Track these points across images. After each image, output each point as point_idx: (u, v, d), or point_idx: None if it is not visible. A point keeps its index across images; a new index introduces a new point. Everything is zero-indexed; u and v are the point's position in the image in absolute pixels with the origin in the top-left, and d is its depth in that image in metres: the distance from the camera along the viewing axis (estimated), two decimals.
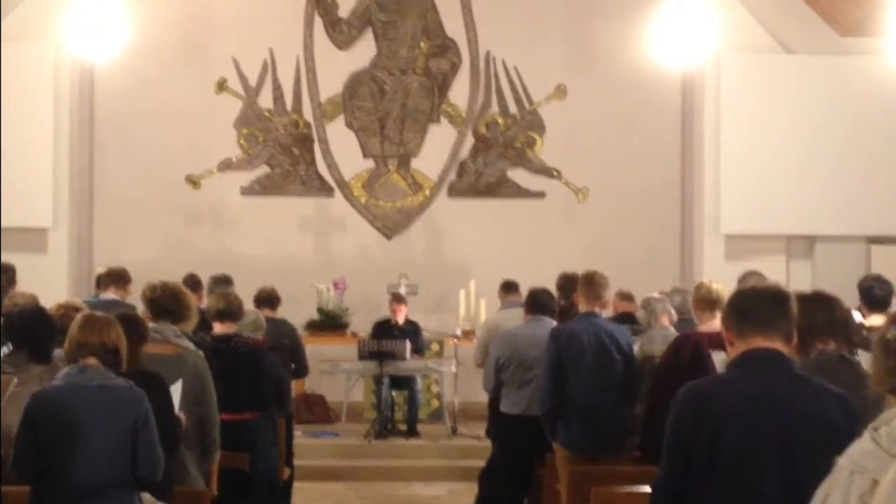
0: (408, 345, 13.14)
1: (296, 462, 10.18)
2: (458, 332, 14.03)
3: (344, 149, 15.90)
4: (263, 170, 15.88)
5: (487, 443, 10.41)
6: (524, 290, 9.78)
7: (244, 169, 15.83)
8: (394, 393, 13.66)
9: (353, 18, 15.96)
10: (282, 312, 10.35)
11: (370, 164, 16.00)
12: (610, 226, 15.59)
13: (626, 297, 9.66)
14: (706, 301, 7.39)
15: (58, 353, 6.07)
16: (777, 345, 4.05)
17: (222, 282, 10.14)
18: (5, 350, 6.29)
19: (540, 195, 15.93)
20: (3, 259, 10.32)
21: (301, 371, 10.43)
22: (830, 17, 14.51)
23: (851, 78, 14.38)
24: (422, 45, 16.01)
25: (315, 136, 15.93)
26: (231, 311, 7.90)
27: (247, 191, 15.81)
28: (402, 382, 13.57)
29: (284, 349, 9.68)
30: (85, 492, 5.28)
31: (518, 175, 15.99)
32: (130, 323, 5.94)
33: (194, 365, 6.55)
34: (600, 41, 15.46)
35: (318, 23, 15.93)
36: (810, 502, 2.99)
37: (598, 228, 15.61)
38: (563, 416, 8.00)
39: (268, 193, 15.83)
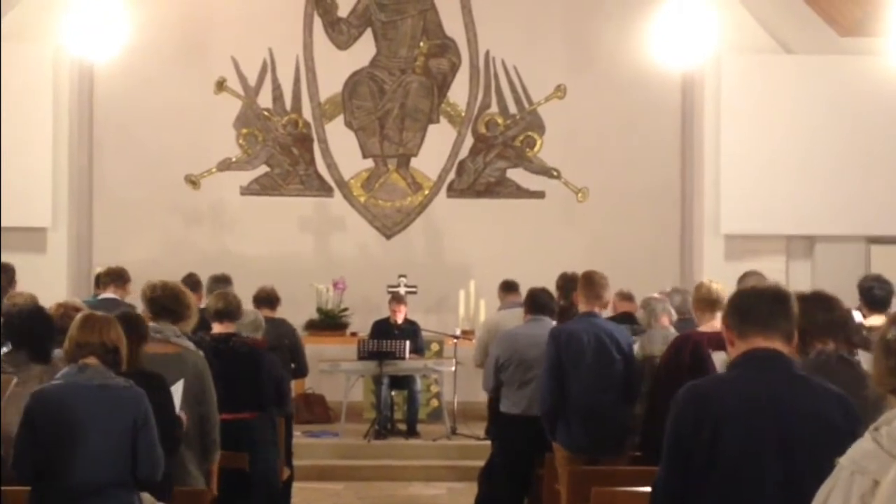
0: (407, 345, 13.14)
1: (295, 462, 10.18)
2: (458, 332, 14.04)
3: (343, 148, 15.90)
4: (263, 169, 15.88)
5: (487, 443, 10.42)
6: (524, 290, 9.78)
7: (243, 169, 15.83)
8: (393, 393, 13.67)
9: (352, 18, 15.97)
10: (281, 312, 10.35)
11: (370, 163, 16.00)
12: (610, 226, 15.59)
13: (626, 297, 9.65)
14: (706, 301, 7.39)
15: (57, 352, 6.07)
16: (777, 345, 4.05)
17: (221, 281, 10.13)
18: (5, 350, 6.29)
19: (539, 195, 15.93)
20: (3, 259, 10.30)
21: (301, 371, 10.43)
22: (830, 17, 14.51)
23: (851, 78, 14.38)
24: (421, 44, 16.01)
25: (314, 136, 15.93)
26: (230, 310, 7.89)
27: (246, 190, 15.81)
28: (402, 382, 13.58)
29: (284, 349, 9.68)
30: (85, 491, 5.28)
31: (518, 175, 15.99)
32: (131, 322, 5.93)
33: (194, 364, 6.54)
34: (600, 41, 15.46)
35: (318, 22, 15.94)
36: (811, 503, 2.99)
37: (597, 228, 15.61)
38: (563, 416, 7.99)
39: (267, 193, 15.83)
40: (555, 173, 15.93)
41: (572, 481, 7.15)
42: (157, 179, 15.50)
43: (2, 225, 12.83)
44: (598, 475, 7.02)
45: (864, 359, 4.99)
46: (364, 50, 15.96)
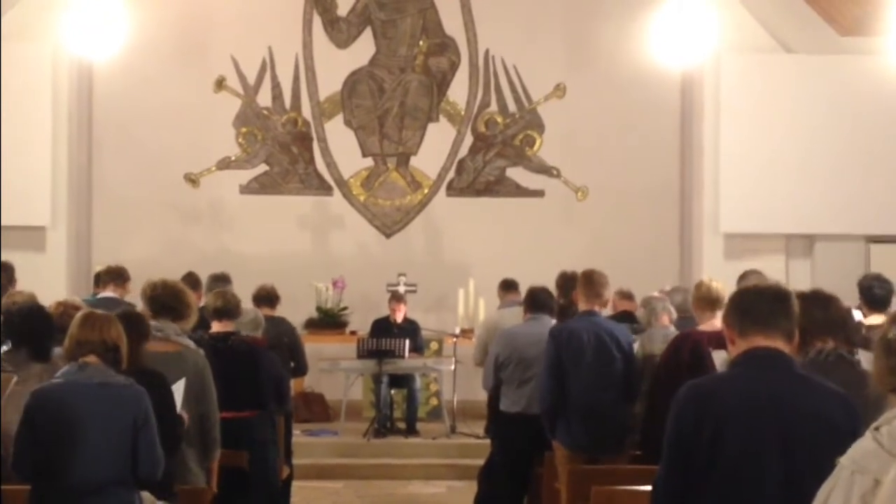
0: (407, 343, 13.15)
1: (295, 460, 10.17)
2: (457, 331, 14.04)
3: (343, 147, 15.90)
4: (262, 168, 15.87)
5: (486, 441, 10.42)
6: (523, 289, 9.78)
7: (243, 167, 15.83)
8: (393, 391, 13.67)
9: (352, 17, 15.96)
10: (281, 311, 10.34)
11: (369, 162, 15.99)
12: (609, 224, 15.59)
13: (626, 295, 9.65)
14: (706, 300, 7.38)
15: (57, 351, 6.07)
16: (778, 344, 4.05)
17: (221, 280, 10.13)
18: (5, 348, 6.28)
19: (539, 194, 15.93)
20: (3, 257, 10.30)
21: (300, 369, 10.43)
22: (830, 16, 14.51)
23: (851, 77, 14.37)
24: (421, 43, 16.00)
25: (314, 135, 15.93)
26: (228, 309, 7.88)
27: (245, 189, 15.80)
28: (401, 381, 13.58)
29: (283, 347, 9.67)
30: (85, 490, 5.28)
31: (517, 174, 15.99)
32: (132, 321, 5.93)
33: (195, 363, 6.54)
34: (600, 40, 15.45)
35: (317, 21, 15.93)
36: (812, 502, 2.99)
37: (597, 227, 15.61)
38: (563, 415, 7.99)
39: (266, 192, 15.82)
40: (554, 172, 15.93)
41: (572, 480, 7.15)
42: (157, 178, 15.49)
43: (1, 224, 12.85)
44: (598, 474, 7.02)
45: (865, 358, 4.99)
46: (363, 49, 15.96)
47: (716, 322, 7.06)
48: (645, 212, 15.59)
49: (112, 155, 15.53)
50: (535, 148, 15.99)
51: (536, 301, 8.99)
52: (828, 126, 14.46)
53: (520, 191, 15.95)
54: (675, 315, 8.49)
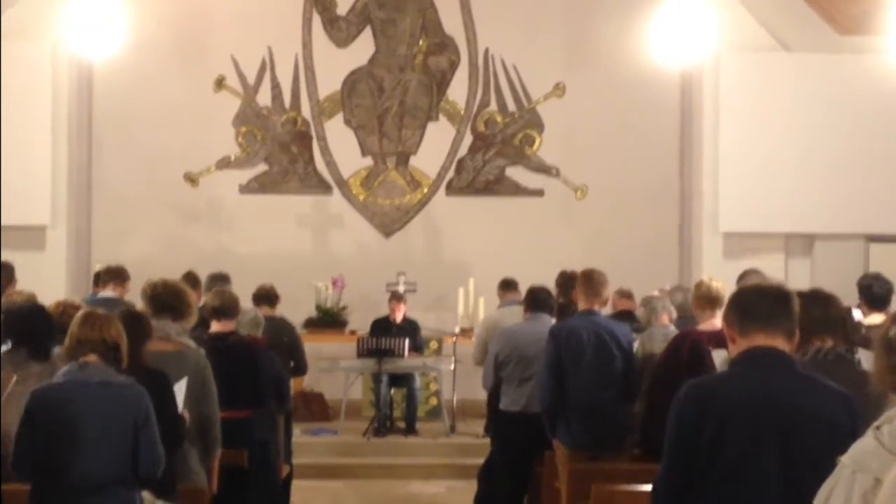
0: (406, 343, 13.15)
1: (294, 460, 10.18)
2: (457, 330, 14.04)
3: (342, 147, 15.89)
4: (262, 168, 15.86)
5: (486, 440, 10.43)
6: (523, 288, 9.79)
7: (242, 167, 15.82)
8: (392, 391, 13.67)
9: (351, 16, 15.95)
10: (280, 310, 10.35)
11: (368, 161, 15.98)
12: (609, 224, 15.58)
13: (626, 294, 9.64)
14: (706, 299, 7.38)
15: (56, 351, 6.06)
16: (779, 343, 4.05)
17: (220, 280, 10.13)
18: (4, 348, 6.28)
19: (539, 193, 15.92)
20: (2, 257, 10.30)
21: (300, 369, 10.43)
22: (829, 15, 14.51)
23: (850, 76, 14.37)
24: (420, 42, 15.99)
25: (313, 134, 15.92)
26: (227, 308, 7.87)
27: (245, 189, 15.79)
28: (401, 380, 13.58)
29: (283, 347, 9.68)
30: (85, 489, 5.28)
31: (517, 173, 15.98)
32: (134, 320, 5.94)
33: (196, 362, 6.55)
34: (599, 39, 15.45)
35: (317, 20, 15.92)
36: (812, 501, 2.99)
37: (596, 226, 15.60)
38: (562, 414, 8.00)
39: (266, 191, 15.81)
40: (554, 171, 15.92)
41: (572, 479, 7.16)
42: (156, 177, 15.49)
43: (1, 223, 12.84)
44: (598, 473, 7.02)
45: (865, 357, 4.99)
46: (363, 48, 15.95)
47: (715, 321, 7.07)
48: (644, 211, 15.59)
49: (112, 154, 15.52)
50: (535, 147, 15.98)
51: (536, 300, 9.00)
52: (827, 125, 14.46)
53: (519, 190, 15.94)
54: (674, 314, 8.49)
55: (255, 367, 7.88)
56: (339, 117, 15.92)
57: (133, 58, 14.43)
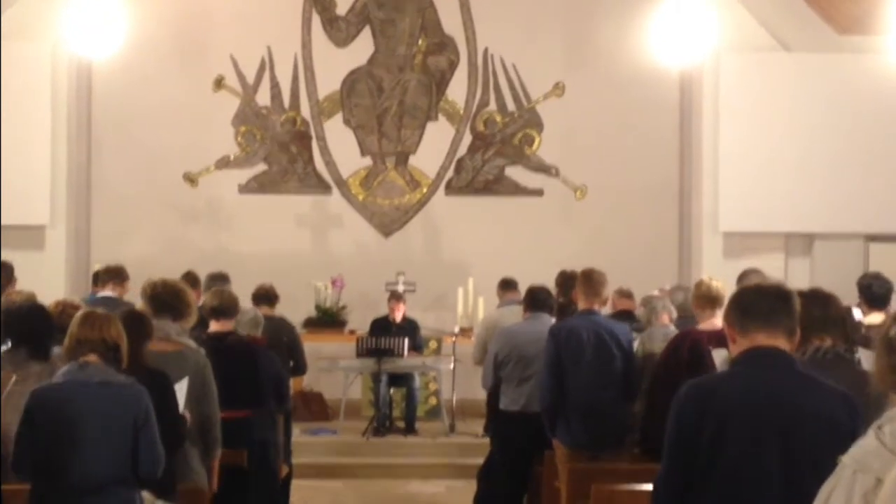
0: (406, 342, 13.15)
1: (294, 459, 10.18)
2: (456, 330, 14.03)
3: (342, 146, 15.89)
4: (261, 167, 15.86)
5: (485, 440, 10.43)
6: (522, 288, 9.78)
7: (242, 166, 15.81)
8: (392, 390, 13.67)
9: (350, 16, 15.95)
10: (280, 310, 10.35)
11: (368, 161, 15.98)
12: (608, 223, 15.58)
13: (626, 294, 9.64)
14: (706, 298, 7.38)
15: (56, 351, 6.06)
16: (780, 342, 4.05)
17: (219, 279, 10.12)
18: (4, 348, 6.27)
19: (538, 193, 15.92)
20: (2, 256, 10.30)
21: (299, 368, 10.43)
22: (829, 15, 14.50)
23: (850, 76, 14.37)
24: (420, 42, 15.99)
25: (313, 134, 15.91)
26: (225, 308, 7.86)
27: (244, 188, 15.79)
28: (400, 380, 13.57)
29: (283, 347, 9.67)
30: (85, 489, 5.27)
31: (516, 173, 15.97)
32: (136, 320, 5.93)
33: (196, 362, 6.54)
34: (599, 39, 15.45)
35: (316, 20, 15.91)
36: (813, 501, 2.98)
37: (596, 226, 15.60)
38: (562, 413, 7.99)
39: (265, 191, 15.81)
40: (553, 171, 15.92)
41: (572, 479, 7.15)
42: (156, 177, 15.48)
43: (1, 222, 12.83)
44: (598, 472, 7.02)
45: (865, 356, 4.99)
46: (362, 48, 15.94)
47: (716, 321, 7.07)
48: (644, 211, 15.58)
49: (111, 154, 15.52)
50: (534, 147, 15.98)
51: (536, 300, 9.00)
52: (827, 125, 14.46)
53: (519, 190, 15.94)
54: (674, 314, 8.49)
55: (255, 366, 7.88)
56: (339, 117, 15.92)
57: (132, 58, 14.43)
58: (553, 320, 8.77)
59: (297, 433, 11.93)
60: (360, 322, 14.57)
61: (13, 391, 5.85)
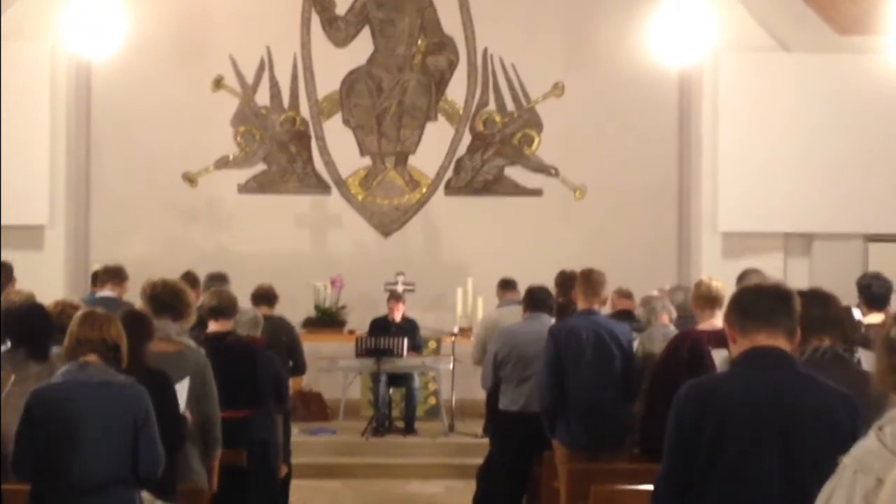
0: (405, 342, 13.15)
1: (293, 459, 10.16)
2: (456, 330, 14.02)
3: (341, 146, 15.89)
4: (260, 167, 15.85)
5: (485, 440, 10.43)
6: (522, 288, 9.78)
7: (241, 166, 15.81)
8: (391, 390, 13.66)
9: (350, 16, 15.94)
10: (279, 310, 10.34)
11: (367, 161, 15.98)
12: (607, 223, 15.58)
13: (625, 294, 9.64)
14: (706, 298, 7.38)
15: (55, 351, 6.05)
16: (780, 342, 4.05)
17: (218, 280, 10.12)
18: (4, 347, 6.27)
19: (537, 193, 15.92)
20: (1, 257, 10.30)
21: (299, 368, 10.43)
22: (828, 15, 14.50)
23: (850, 76, 14.37)
24: (419, 42, 15.99)
25: (312, 134, 15.91)
26: (224, 308, 7.85)
27: (244, 188, 15.79)
28: (400, 380, 13.57)
29: (282, 346, 9.67)
30: (85, 489, 5.27)
31: (515, 172, 15.97)
32: (137, 321, 5.93)
33: (196, 362, 6.54)
34: (598, 39, 15.45)
35: (316, 20, 15.91)
36: (813, 500, 2.98)
37: (595, 226, 15.60)
38: (562, 414, 7.99)
39: (265, 191, 15.81)
40: (552, 171, 15.92)
41: (571, 479, 7.14)
42: (155, 177, 15.48)
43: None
44: (598, 473, 7.01)
45: (865, 357, 4.99)
46: (362, 48, 15.94)
47: (715, 321, 7.07)
48: (643, 211, 15.58)
49: (110, 154, 15.52)
50: (534, 147, 15.98)
51: (535, 300, 9.00)
52: (826, 125, 14.46)
53: (518, 190, 15.94)
54: (674, 314, 8.49)
55: (254, 366, 7.87)
56: (338, 117, 15.92)
57: (132, 57, 14.42)
58: (552, 320, 8.77)
59: (297, 433, 11.92)
60: (359, 322, 14.57)
61: (12, 391, 5.85)
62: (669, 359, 7.39)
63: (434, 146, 15.94)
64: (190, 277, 10.13)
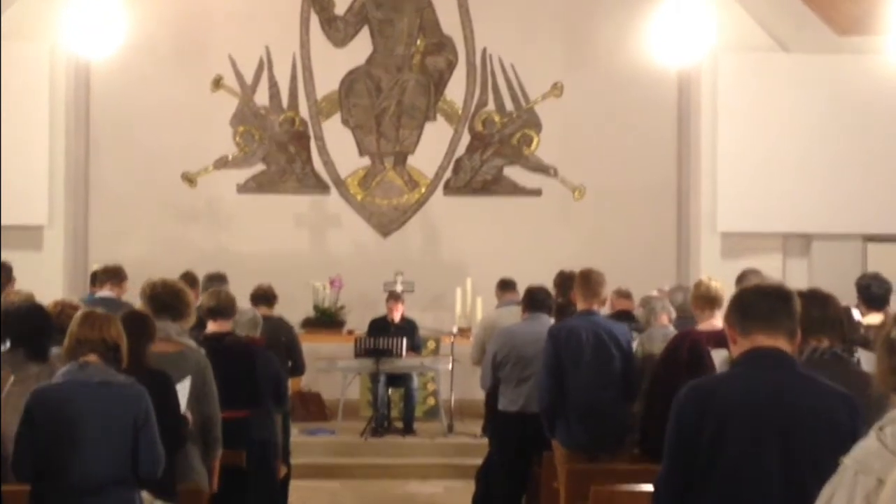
0: (404, 342, 13.14)
1: (292, 460, 10.16)
2: (455, 330, 14.03)
3: (340, 146, 15.88)
4: (259, 167, 15.85)
5: (484, 440, 10.42)
6: (521, 288, 9.78)
7: (240, 166, 15.81)
8: (390, 391, 13.66)
9: (349, 16, 15.94)
10: (278, 310, 10.34)
11: (366, 161, 15.98)
12: (606, 223, 15.58)
13: (624, 294, 9.64)
14: (705, 299, 7.38)
15: (55, 351, 6.05)
16: (780, 343, 4.05)
17: (217, 280, 10.12)
18: (3, 348, 6.26)
19: (536, 193, 15.92)
20: (0, 257, 10.30)
21: (298, 369, 10.42)
22: (828, 15, 14.50)
23: (849, 76, 14.37)
24: (418, 42, 15.98)
25: (311, 134, 15.91)
26: (222, 308, 7.85)
27: (243, 188, 15.78)
28: (399, 380, 13.57)
29: (281, 347, 9.67)
30: (85, 489, 5.27)
31: (514, 173, 15.97)
32: (138, 321, 5.93)
33: (196, 362, 6.54)
34: (597, 39, 15.45)
35: (315, 20, 15.91)
36: (814, 501, 2.98)
37: (594, 226, 15.60)
38: (562, 414, 7.98)
39: (264, 191, 15.80)
40: (552, 171, 15.92)
41: (571, 479, 7.15)
42: (154, 177, 15.47)
43: None
44: (597, 473, 7.01)
45: (864, 357, 4.99)
46: (361, 48, 15.94)
47: (715, 321, 7.08)
48: (642, 211, 15.58)
49: (109, 154, 15.51)
50: (533, 147, 15.98)
51: (534, 300, 9.00)
52: (825, 125, 14.46)
53: (517, 190, 15.94)
54: (674, 314, 8.49)
55: (253, 366, 7.87)
56: (337, 117, 15.91)
57: (131, 58, 14.42)
58: (552, 321, 8.76)
59: (296, 433, 11.92)
60: (358, 322, 14.56)
61: (12, 392, 5.85)
62: (669, 359, 7.39)
63: (433, 146, 15.94)
64: (189, 277, 10.12)
